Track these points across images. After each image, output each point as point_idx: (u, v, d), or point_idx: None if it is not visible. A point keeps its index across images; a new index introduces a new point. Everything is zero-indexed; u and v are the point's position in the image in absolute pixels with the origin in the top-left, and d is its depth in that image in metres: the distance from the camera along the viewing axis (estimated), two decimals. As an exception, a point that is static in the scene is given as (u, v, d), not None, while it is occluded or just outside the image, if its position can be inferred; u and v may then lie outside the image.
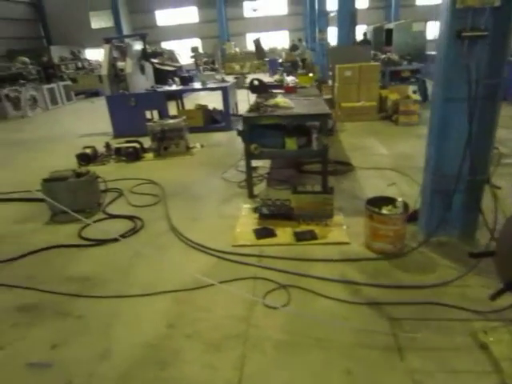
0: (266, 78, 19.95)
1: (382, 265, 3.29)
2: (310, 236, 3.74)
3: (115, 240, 3.96)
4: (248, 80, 10.87)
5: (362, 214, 3.92)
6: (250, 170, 4.69)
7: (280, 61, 17.98)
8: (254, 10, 26.87)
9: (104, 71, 8.31)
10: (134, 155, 6.67)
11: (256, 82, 6.09)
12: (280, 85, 6.50)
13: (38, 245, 4.02)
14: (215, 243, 3.73)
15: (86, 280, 3.37)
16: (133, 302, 3.01)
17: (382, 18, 25.05)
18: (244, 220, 4.18)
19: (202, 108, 8.48)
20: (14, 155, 8.20)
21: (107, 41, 8.67)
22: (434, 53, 14.61)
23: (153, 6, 27.67)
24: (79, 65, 21.49)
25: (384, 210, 3.42)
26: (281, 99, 4.83)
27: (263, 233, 3.85)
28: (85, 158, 6.67)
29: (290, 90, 5.98)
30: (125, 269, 3.48)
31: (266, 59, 20.95)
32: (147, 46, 9.06)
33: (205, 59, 22.16)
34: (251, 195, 4.76)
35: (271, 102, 4.80)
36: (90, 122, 11.57)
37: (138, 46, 8.65)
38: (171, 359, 2.44)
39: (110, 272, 3.45)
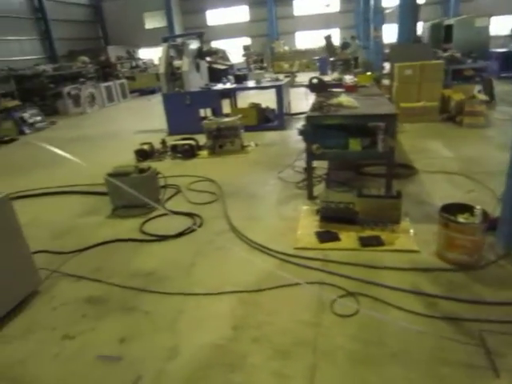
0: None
1: (457, 277, 3.06)
2: (376, 242, 3.56)
3: (176, 236, 4.00)
4: (298, 79, 10.68)
5: (431, 221, 3.69)
6: (310, 170, 4.56)
7: (331, 59, 17.60)
8: (327, 6, 26.38)
9: (161, 69, 8.50)
10: (190, 152, 6.75)
11: (315, 81, 5.95)
12: (340, 83, 6.30)
13: (102, 238, 4.14)
14: (276, 245, 3.65)
15: (149, 275, 3.40)
16: (197, 301, 3.00)
17: (440, 14, 23.87)
18: (305, 222, 4.07)
19: (256, 107, 8.44)
20: (75, 150, 8.60)
21: (165, 40, 8.86)
22: (499, 50, 13.74)
23: (204, 6, 28.15)
24: (133, 64, 22.28)
25: (461, 218, 3.18)
26: (344, 98, 4.66)
27: (326, 236, 3.72)
28: (142, 154, 6.84)
29: (350, 89, 5.78)
30: (187, 266, 3.48)
31: (332, 58, 20.53)
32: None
33: (254, 57, 22.20)
34: (310, 196, 4.64)
35: (334, 101, 4.64)
36: (144, 119, 11.94)
37: (194, 44, 8.75)
38: (239, 363, 2.39)
39: (172, 269, 3.47)
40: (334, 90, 5.95)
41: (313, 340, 2.51)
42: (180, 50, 9.49)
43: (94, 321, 2.89)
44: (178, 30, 28.14)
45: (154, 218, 4.51)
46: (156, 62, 19.70)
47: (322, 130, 4.38)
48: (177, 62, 8.83)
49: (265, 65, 23.73)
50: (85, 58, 17.63)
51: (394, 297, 2.85)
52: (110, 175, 4.71)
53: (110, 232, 4.31)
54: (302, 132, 4.53)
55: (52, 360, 2.57)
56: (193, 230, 4.11)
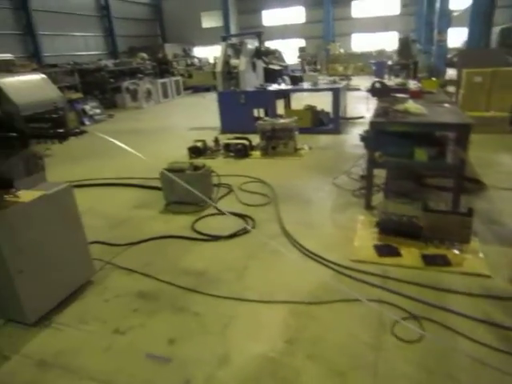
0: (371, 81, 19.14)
1: (537, 309, 2.73)
2: (441, 261, 3.29)
3: (228, 237, 3.94)
4: (352, 82, 10.35)
5: (503, 243, 3.36)
6: (370, 179, 4.33)
7: (389, 63, 16.99)
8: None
9: (219, 68, 8.54)
10: (243, 152, 6.70)
11: (378, 85, 5.67)
12: (404, 89, 5.98)
13: (155, 232, 4.16)
14: (331, 255, 3.47)
15: (200, 275, 3.35)
16: (249, 307, 2.90)
17: (508, 18, 22.28)
18: (362, 233, 3.86)
19: (311, 109, 8.25)
20: (130, 142, 8.80)
21: (224, 39, 8.90)
22: None
23: (260, 7, 28.26)
24: (188, 62, 22.79)
25: (545, 244, 2.84)
26: (412, 105, 4.38)
27: (386, 250, 3.49)
28: (195, 151, 6.89)
29: (415, 95, 5.45)
30: (240, 269, 3.40)
31: (390, 62, 19.93)
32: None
33: (308, 59, 21.93)
34: (368, 206, 4.41)
35: (400, 107, 4.38)
36: (197, 116, 12.10)
37: (251, 44, 8.71)
38: (292, 380, 2.26)
39: (224, 270, 3.39)
40: (398, 95, 5.64)
41: (373, 363, 2.32)
42: (237, 49, 9.50)
43: (145, 317, 2.88)
44: (233, 30, 28.38)
45: (206, 216, 4.48)
46: (211, 60, 19.98)
47: (386, 137, 4.14)
48: (234, 61, 8.83)
49: (318, 67, 23.39)
50: (144, 55, 18.25)
51: (462, 325, 2.60)
52: (165, 171, 4.74)
53: (163, 227, 4.32)
54: (364, 138, 4.31)
55: (102, 353, 2.57)
56: (245, 232, 4.02)
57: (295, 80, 8.85)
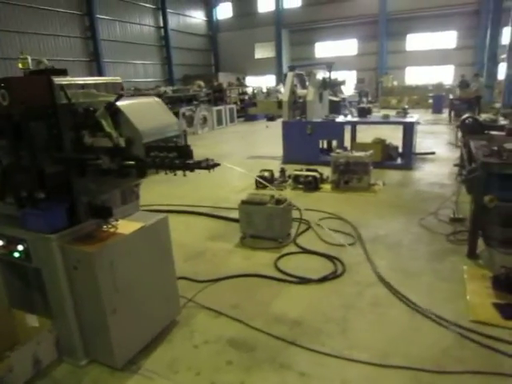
0: (428, 116, 18.55)
1: None
2: None
3: (319, 281, 3.59)
4: (411, 116, 9.89)
5: None
6: (476, 224, 3.87)
7: (451, 97, 16.38)
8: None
9: (285, 97, 8.44)
10: (313, 185, 6.41)
11: (469, 121, 5.25)
12: (500, 126, 5.50)
13: (234, 268, 3.90)
14: (443, 311, 3.04)
15: (295, 324, 3.01)
16: (362, 371, 2.51)
17: None
18: (473, 287, 3.38)
19: (382, 142, 7.88)
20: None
21: (291, 68, 8.84)
22: None
23: (314, 39, 28.61)
24: (241, 90, 23.20)
25: None
26: (526, 144, 3.91)
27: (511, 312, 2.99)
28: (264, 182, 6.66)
29: (514, 133, 4.97)
30: (339, 321, 3.02)
31: (451, 96, 19.39)
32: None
33: (366, 91, 21.68)
34: (472, 254, 3.92)
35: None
36: (255, 144, 12.05)
37: (319, 74, 8.57)
38: None
39: (322, 321, 3.03)
40: (493, 133, 5.18)
41: None
42: (303, 80, 9.41)
43: (242, 373, 2.55)
44: (285, 61, 28.96)
45: (288, 254, 4.17)
46: (264, 89, 20.21)
47: (497, 179, 3.69)
48: (300, 91, 8.71)
49: (370, 99, 23.05)
50: (201, 83, 18.75)
51: None
52: (244, 202, 4.52)
53: (243, 263, 4.05)
54: (468, 180, 3.89)
55: (201, 412, 2.26)
56: (336, 276, 3.66)
57: (363, 112, 8.55)
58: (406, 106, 15.99)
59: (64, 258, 2.34)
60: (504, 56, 17.86)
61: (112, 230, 2.52)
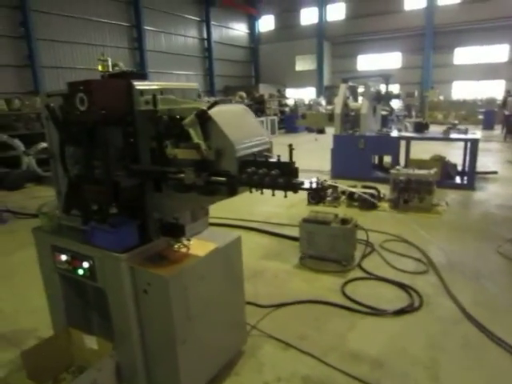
0: (479, 132, 17.56)
1: None
2: None
3: (396, 313, 3.21)
4: (473, 132, 9.26)
5: None
6: None
7: (507, 113, 15.48)
8: None
9: (338, 110, 8.11)
10: (370, 203, 6.00)
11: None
12: None
13: (296, 293, 3.59)
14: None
15: (377, 365, 2.64)
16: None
17: None
18: None
19: (441, 159, 7.37)
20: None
21: (345, 80, 8.52)
22: None
23: (356, 51, 28.17)
24: (282, 102, 23.06)
25: None
26: None
27: None
28: (316, 196, 6.33)
29: None
30: (427, 364, 2.64)
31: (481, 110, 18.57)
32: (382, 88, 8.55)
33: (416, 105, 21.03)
34: None
35: None
36: (300, 157, 11.70)
37: (373, 87, 8.21)
38: None
39: (406, 363, 2.66)
40: None
41: None
42: (355, 92, 9.07)
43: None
44: (326, 74, 28.70)
45: (355, 279, 3.81)
46: (306, 101, 19.98)
47: None
48: (353, 104, 8.37)
49: (413, 113, 22.27)
50: (243, 94, 18.77)
51: None
52: (307, 220, 4.21)
53: (305, 287, 3.73)
54: None
55: None
56: (414, 309, 3.27)
57: (420, 127, 8.07)
58: (456, 122, 15.29)
59: (133, 280, 2.11)
60: None
61: (184, 250, 2.28)
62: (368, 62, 27.97)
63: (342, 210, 6.11)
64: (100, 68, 2.07)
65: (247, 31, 30.19)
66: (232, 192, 1.79)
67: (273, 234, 5.02)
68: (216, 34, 26.43)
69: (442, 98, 24.05)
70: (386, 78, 8.51)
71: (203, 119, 1.76)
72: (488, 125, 18.10)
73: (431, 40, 25.13)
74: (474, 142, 7.12)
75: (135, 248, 2.13)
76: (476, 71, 25.18)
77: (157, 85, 2.17)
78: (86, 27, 17.81)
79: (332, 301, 3.40)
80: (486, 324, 3.01)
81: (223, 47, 27.28)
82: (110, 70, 2.09)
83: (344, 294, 3.54)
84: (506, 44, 24.05)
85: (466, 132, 7.80)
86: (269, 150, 2.05)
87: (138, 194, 2.11)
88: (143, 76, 2.14)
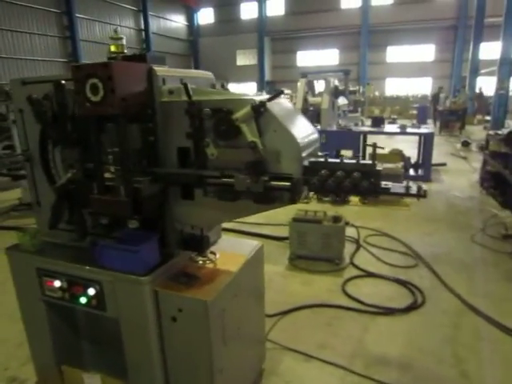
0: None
1: None
2: None
3: (405, 310, 3.15)
4: (426, 127, 9.79)
5: None
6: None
7: (440, 108, 16.59)
8: None
9: (299, 105, 8.02)
10: (342, 198, 5.98)
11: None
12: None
13: (297, 296, 3.40)
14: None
15: (405, 368, 2.54)
16: None
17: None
18: None
19: (400, 153, 7.60)
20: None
21: (304, 75, 8.46)
22: None
23: (295, 48, 28.59)
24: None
25: None
26: None
27: None
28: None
29: None
30: (452, 361, 2.58)
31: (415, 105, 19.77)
32: (338, 83, 8.62)
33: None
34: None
35: None
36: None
37: (334, 81, 8.25)
38: None
39: (432, 362, 2.59)
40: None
41: None
42: (312, 87, 9.07)
43: None
44: (267, 69, 28.80)
45: (353, 278, 3.70)
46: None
47: None
48: (312, 99, 8.35)
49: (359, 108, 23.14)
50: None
51: None
52: (297, 220, 4.02)
53: (304, 290, 3.55)
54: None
55: None
56: (419, 305, 3.23)
57: (377, 121, 8.27)
58: (395, 116, 16.13)
59: (157, 307, 1.76)
60: (484, 71, 18.46)
61: (210, 265, 1.97)
62: (307, 58, 28.54)
63: (313, 206, 6.02)
64: (113, 49, 1.66)
65: (186, 23, 29.29)
66: (295, 199, 1.52)
67: (256, 234, 4.77)
68: (154, 25, 25.28)
69: (377, 93, 25.33)
70: (347, 73, 8.60)
71: (260, 113, 1.46)
72: (422, 119, 19.27)
73: (366, 38, 26.26)
74: (430, 136, 7.43)
75: (157, 267, 1.78)
76: (406, 69, 26.83)
77: (178, 72, 1.83)
78: (7, 11, 15.94)
79: (340, 303, 3.25)
80: (490, 314, 3.05)
81: (162, 39, 26.19)
82: (125, 51, 1.68)
83: (346, 294, 3.42)
84: (432, 44, 25.87)
85: (419, 127, 8.13)
86: (319, 149, 1.81)
87: (160, 203, 1.76)
88: (162, 60, 1.77)
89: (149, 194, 1.65)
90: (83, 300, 1.85)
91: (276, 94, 1.53)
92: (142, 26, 24.30)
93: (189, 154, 1.65)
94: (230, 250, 2.14)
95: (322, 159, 1.58)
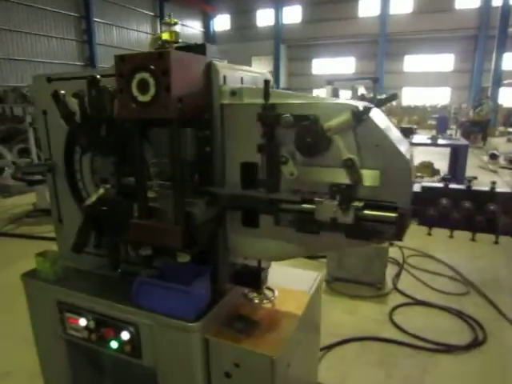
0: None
1: None
2: None
3: (466, 348, 2.75)
4: (457, 139, 9.34)
5: None
6: None
7: (463, 119, 16.13)
8: None
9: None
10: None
11: None
12: None
13: (342, 327, 3.03)
14: None
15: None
16: None
17: None
18: None
19: (430, 166, 7.21)
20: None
21: (329, 82, 8.14)
22: None
23: (311, 55, 28.32)
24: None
25: None
26: None
27: None
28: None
29: None
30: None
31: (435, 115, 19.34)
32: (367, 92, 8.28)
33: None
34: None
35: None
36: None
37: (360, 90, 7.91)
38: None
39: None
40: None
41: None
42: (337, 95, 8.73)
43: None
44: (282, 75, 28.57)
45: (400, 306, 3.32)
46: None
47: None
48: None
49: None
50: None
51: None
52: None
53: (347, 318, 3.18)
54: None
55: None
56: (481, 342, 2.84)
57: (406, 132, 7.88)
58: (415, 127, 15.74)
59: (207, 359, 1.42)
60: (507, 81, 17.97)
61: (268, 304, 1.62)
62: (323, 65, 28.25)
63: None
64: (165, 37, 1.32)
65: (202, 30, 29.24)
66: (401, 235, 1.17)
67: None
68: (170, 30, 25.21)
69: (394, 103, 24.87)
70: (375, 80, 8.25)
71: (361, 122, 1.12)
72: (441, 129, 18.79)
73: (384, 47, 25.88)
74: (464, 148, 7.03)
75: (208, 309, 1.43)
76: (424, 78, 26.36)
77: (236, 68, 1.50)
78: (27, 14, 15.92)
79: (391, 337, 2.87)
80: None
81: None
82: (180, 40, 1.34)
83: (396, 326, 3.04)
84: (452, 54, 25.39)
85: (451, 138, 7.72)
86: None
87: (216, 230, 1.42)
88: (223, 54, 1.44)
89: (204, 220, 1.31)
90: (114, 345, 1.52)
91: (389, 97, 1.19)
92: (159, 32, 24.22)
93: (256, 171, 1.31)
94: (287, 284, 1.78)
95: (439, 184, 1.22)
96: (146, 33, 23.21)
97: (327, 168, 1.18)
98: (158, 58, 1.13)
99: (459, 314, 3.17)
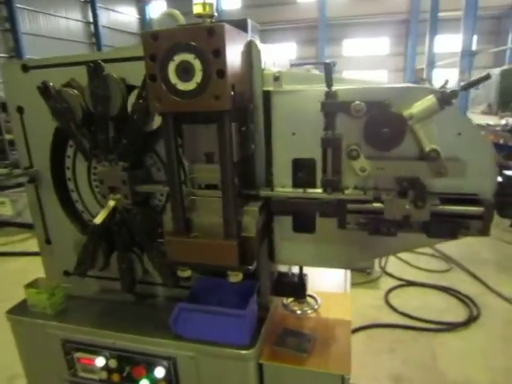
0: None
1: None
2: None
3: (464, 324, 2.81)
4: None
5: None
6: None
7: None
8: None
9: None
10: None
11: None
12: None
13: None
14: None
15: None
16: None
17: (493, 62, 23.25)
18: None
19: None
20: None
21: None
22: None
23: (252, 42, 28.08)
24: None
25: None
26: None
27: None
28: None
29: None
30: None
31: None
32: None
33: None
34: None
35: None
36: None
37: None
38: None
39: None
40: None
41: None
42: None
43: None
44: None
45: (394, 289, 3.33)
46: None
47: None
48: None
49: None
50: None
51: None
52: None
53: (344, 309, 3.12)
54: None
55: None
56: (477, 317, 2.91)
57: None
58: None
59: (261, 384, 1.24)
60: (440, 63, 19.05)
61: (313, 314, 1.46)
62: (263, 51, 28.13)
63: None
64: (198, 10, 1.03)
65: (138, 16, 27.81)
66: (488, 230, 1.05)
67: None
68: (103, 17, 23.66)
69: (336, 87, 25.50)
70: (334, 64, 8.21)
71: (446, 107, 0.97)
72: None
73: (324, 32, 26.33)
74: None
75: (259, 331, 1.24)
76: (363, 62, 27.26)
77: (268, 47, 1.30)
78: None
79: (393, 322, 2.86)
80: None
81: (112, 33, 24.61)
82: (216, 14, 1.08)
83: (395, 310, 3.03)
84: (387, 37, 26.45)
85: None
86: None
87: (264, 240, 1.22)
88: (258, 32, 1.22)
89: (259, 230, 1.11)
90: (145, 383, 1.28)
91: (482, 78, 1.05)
92: (91, 19, 22.64)
93: (313, 168, 1.13)
94: (321, 286, 1.64)
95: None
96: (77, 20, 21.58)
97: (403, 161, 1.03)
98: (207, 34, 0.90)
99: (451, 292, 3.24)
